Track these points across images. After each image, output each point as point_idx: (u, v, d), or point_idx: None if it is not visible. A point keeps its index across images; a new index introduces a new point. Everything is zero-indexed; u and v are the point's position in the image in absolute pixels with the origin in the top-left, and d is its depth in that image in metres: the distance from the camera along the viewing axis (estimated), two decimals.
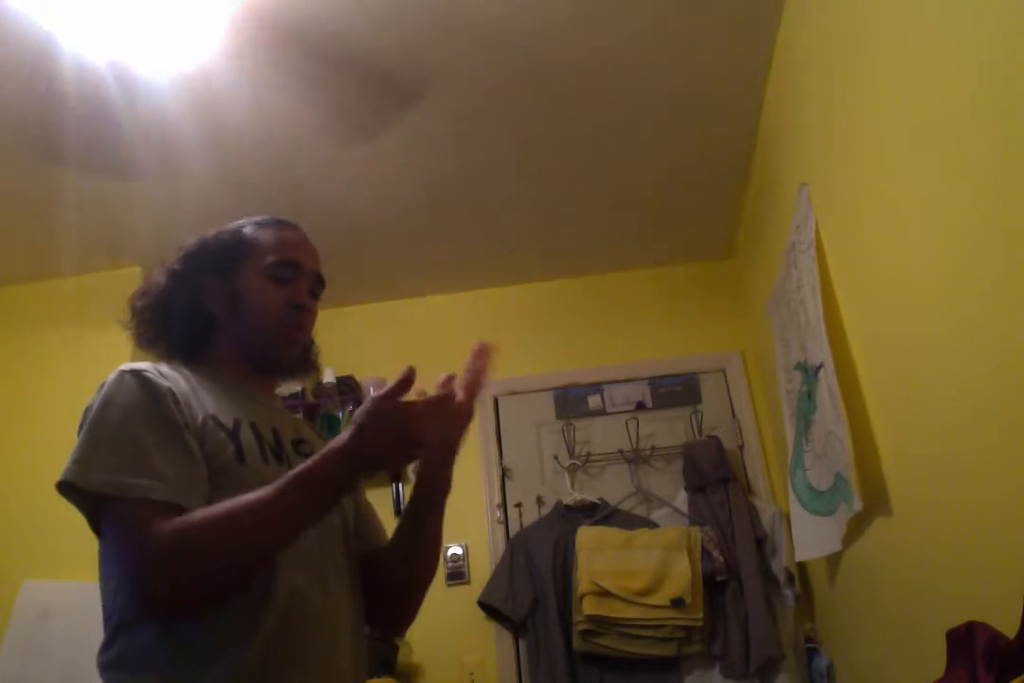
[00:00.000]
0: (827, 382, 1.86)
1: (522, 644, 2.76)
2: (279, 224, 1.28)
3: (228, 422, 1.10)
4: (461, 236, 3.02)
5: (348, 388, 3.10)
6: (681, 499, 2.82)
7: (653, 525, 2.76)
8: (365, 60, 2.11)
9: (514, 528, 2.94)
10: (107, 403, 1.04)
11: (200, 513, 0.95)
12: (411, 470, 2.79)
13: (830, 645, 2.44)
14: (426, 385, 1.06)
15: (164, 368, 1.13)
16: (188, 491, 0.99)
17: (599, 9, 2.01)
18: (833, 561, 2.20)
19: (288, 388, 2.87)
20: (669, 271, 3.31)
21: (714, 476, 2.75)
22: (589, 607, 2.52)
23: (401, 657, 2.65)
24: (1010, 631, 0.99)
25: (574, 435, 3.06)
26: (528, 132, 2.46)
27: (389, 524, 1.27)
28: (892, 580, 1.75)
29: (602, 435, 3.07)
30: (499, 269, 3.28)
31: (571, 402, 3.16)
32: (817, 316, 1.90)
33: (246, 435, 1.11)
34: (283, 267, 1.22)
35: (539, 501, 2.99)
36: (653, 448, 2.98)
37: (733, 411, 3.05)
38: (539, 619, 2.67)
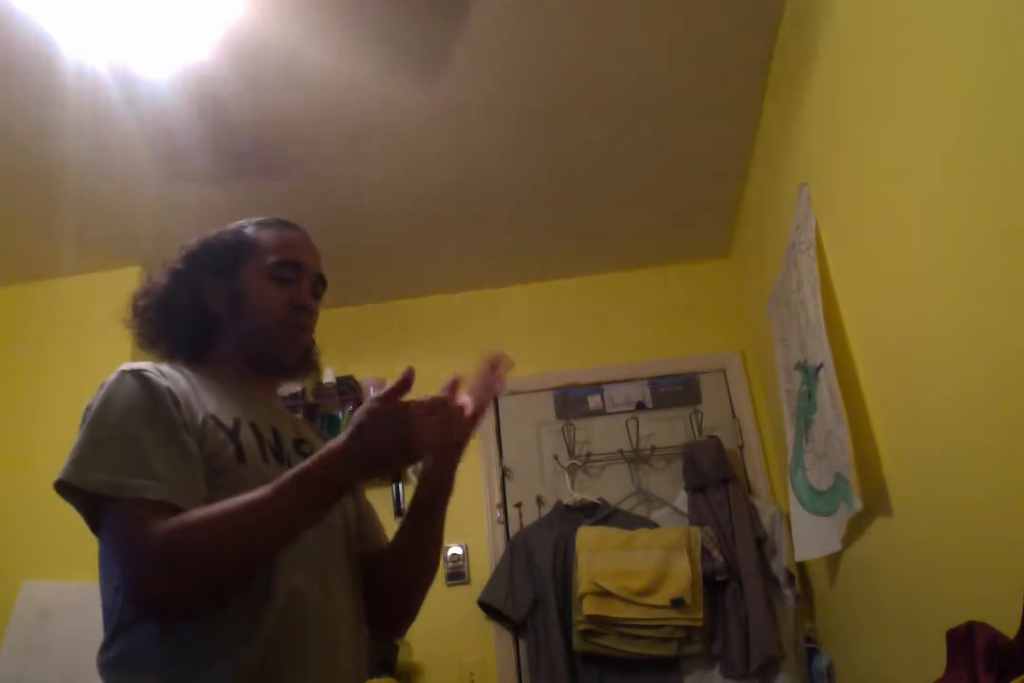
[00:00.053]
0: (827, 382, 1.86)
1: (522, 644, 2.76)
2: (281, 224, 1.28)
3: (228, 422, 1.10)
4: (461, 236, 3.02)
5: (348, 388, 3.10)
6: (681, 499, 2.82)
7: (653, 525, 2.76)
8: None
9: (514, 528, 2.94)
10: (107, 403, 1.04)
11: (197, 512, 0.95)
12: (412, 471, 2.79)
13: (830, 645, 2.44)
14: (426, 385, 1.06)
15: (165, 368, 1.13)
16: (185, 491, 0.99)
17: (599, 9, 2.01)
18: (833, 561, 2.20)
19: (288, 388, 2.87)
20: (669, 271, 3.31)
21: (714, 476, 2.75)
22: (589, 607, 2.52)
23: (401, 657, 2.65)
24: (1010, 631, 1.00)
25: (574, 435, 3.05)
26: (528, 132, 2.46)
27: (389, 525, 1.27)
28: (892, 580, 1.75)
29: (602, 435, 3.07)
30: (499, 269, 3.28)
31: (571, 402, 3.16)
32: (817, 316, 1.90)
33: (246, 435, 1.11)
34: (285, 267, 1.22)
35: (539, 501, 2.99)
36: (653, 448, 2.97)
37: (733, 411, 3.05)
38: (539, 619, 2.67)
